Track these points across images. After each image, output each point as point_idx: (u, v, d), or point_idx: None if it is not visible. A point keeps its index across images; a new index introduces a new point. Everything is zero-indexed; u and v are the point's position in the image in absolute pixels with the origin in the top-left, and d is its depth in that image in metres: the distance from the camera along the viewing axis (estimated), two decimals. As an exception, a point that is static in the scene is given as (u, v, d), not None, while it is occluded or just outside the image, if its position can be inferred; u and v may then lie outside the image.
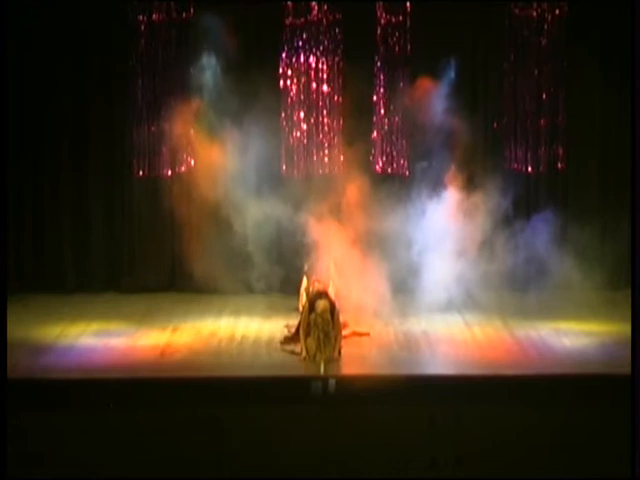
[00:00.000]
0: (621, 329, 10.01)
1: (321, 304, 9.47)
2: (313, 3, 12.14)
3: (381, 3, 12.22)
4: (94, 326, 10.88)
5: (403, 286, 11.89)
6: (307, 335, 9.37)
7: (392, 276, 11.91)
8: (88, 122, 12.77)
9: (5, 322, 8.92)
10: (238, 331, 10.80)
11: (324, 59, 12.32)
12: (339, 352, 9.45)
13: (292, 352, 9.60)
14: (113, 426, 8.28)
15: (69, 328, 10.76)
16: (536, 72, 12.42)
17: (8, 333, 8.78)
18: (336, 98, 12.40)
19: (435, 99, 12.24)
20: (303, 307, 9.86)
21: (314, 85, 12.38)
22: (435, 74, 12.26)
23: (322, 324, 9.33)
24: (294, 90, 12.38)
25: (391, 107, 12.45)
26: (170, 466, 8.17)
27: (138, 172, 12.46)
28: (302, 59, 12.34)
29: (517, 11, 12.26)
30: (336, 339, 9.42)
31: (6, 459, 7.43)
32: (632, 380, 7.56)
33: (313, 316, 9.42)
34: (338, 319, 9.58)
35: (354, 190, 12.19)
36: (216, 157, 12.30)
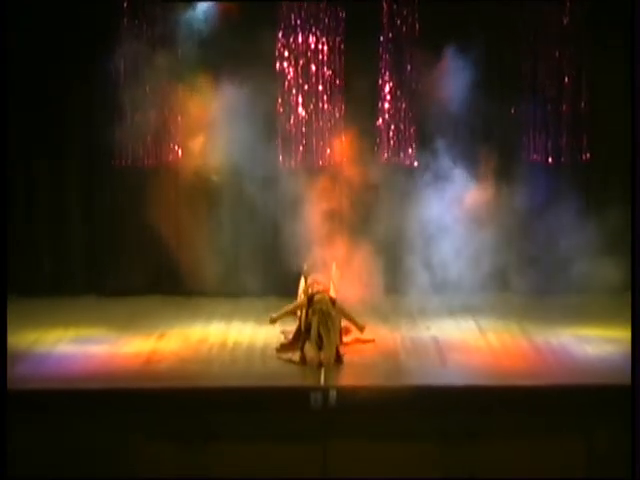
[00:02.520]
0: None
1: (319, 296, 9.52)
2: (312, -23, 12.18)
3: (387, -22, 12.27)
4: (73, 332, 10.87)
5: (411, 287, 11.91)
6: (306, 330, 9.37)
7: (400, 277, 11.94)
8: (65, 107, 12.75)
9: (5, 325, 8.97)
10: (230, 337, 10.78)
11: (324, 39, 12.33)
12: (341, 359, 9.45)
13: (289, 360, 9.59)
14: (93, 440, 8.32)
15: (46, 334, 10.75)
16: (557, 54, 12.41)
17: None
18: (337, 82, 12.41)
19: (453, 79, 12.24)
20: (301, 304, 9.86)
21: (313, 68, 12.40)
22: (447, 55, 12.26)
23: (320, 311, 9.35)
24: (291, 73, 12.38)
25: (398, 92, 12.47)
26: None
27: (120, 162, 12.47)
28: (300, 39, 12.35)
29: (536, -14, 12.29)
30: (336, 334, 9.45)
31: (6, 459, 7.55)
32: (632, 379, 7.78)
33: (311, 310, 9.45)
34: (338, 314, 9.62)
35: (358, 182, 12.19)
36: (206, 146, 12.31)
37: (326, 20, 12.30)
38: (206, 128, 12.30)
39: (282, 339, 10.32)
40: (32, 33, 12.38)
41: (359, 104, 12.31)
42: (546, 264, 12.39)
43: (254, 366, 9.60)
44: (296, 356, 9.53)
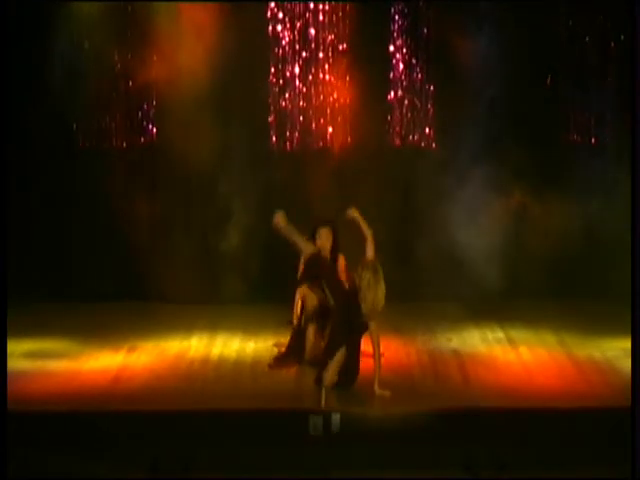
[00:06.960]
0: None
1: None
2: None
3: None
4: (28, 344, 10.88)
5: (429, 290, 11.90)
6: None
7: (415, 278, 11.93)
8: (20, 79, 12.71)
9: (5, 333, 9.18)
10: (214, 351, 10.81)
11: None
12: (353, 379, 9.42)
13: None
14: (53, 471, 8.27)
15: (-5, 347, 10.76)
16: (601, 17, 12.39)
17: None
18: (341, 48, 12.40)
19: (477, 45, 12.24)
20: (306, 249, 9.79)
21: (313, 31, 12.38)
22: (470, 17, 12.25)
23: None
24: (287, 38, 12.38)
25: (413, 60, 12.45)
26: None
27: (84, 143, 12.43)
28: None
29: None
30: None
31: (6, 459, 7.75)
32: (632, 379, 8.05)
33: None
34: None
35: (365, 168, 12.18)
36: (187, 127, 12.32)
37: (328, -26, 12.35)
38: (187, 105, 12.28)
39: (275, 352, 10.34)
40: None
41: (367, 75, 12.27)
42: (588, 264, 12.37)
43: (243, 385, 9.59)
44: (291, 371, 9.51)
